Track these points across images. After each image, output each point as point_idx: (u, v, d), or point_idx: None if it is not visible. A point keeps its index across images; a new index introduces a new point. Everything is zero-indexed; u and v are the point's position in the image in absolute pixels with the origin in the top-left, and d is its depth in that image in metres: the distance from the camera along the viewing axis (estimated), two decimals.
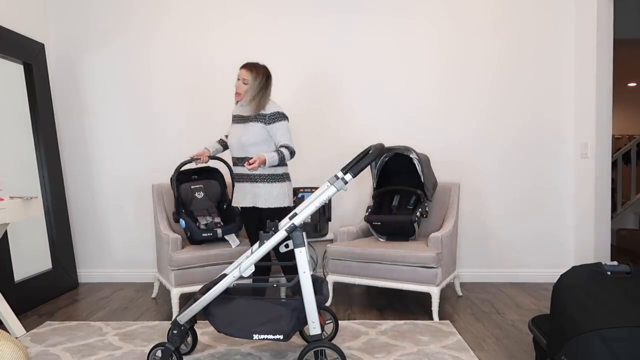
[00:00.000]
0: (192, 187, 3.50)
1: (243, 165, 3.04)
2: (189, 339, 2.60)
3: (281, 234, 2.31)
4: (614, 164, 6.17)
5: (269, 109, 3.01)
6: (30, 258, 3.62)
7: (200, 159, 3.16)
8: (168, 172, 4.14)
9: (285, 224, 2.37)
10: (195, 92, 4.13)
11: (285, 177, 3.07)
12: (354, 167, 2.34)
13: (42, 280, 3.65)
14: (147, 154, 4.16)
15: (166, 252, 3.25)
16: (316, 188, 3.84)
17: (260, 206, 3.02)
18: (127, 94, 4.15)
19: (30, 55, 3.75)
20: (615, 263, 2.07)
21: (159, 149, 4.16)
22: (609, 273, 2.05)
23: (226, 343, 2.74)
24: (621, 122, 8.65)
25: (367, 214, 3.57)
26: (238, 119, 3.09)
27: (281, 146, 2.98)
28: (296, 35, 4.08)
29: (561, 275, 2.11)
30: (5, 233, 3.09)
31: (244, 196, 3.06)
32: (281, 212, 3.04)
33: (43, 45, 3.92)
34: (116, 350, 2.66)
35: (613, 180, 5.53)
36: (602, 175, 3.84)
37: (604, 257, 3.82)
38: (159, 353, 2.38)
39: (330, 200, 3.94)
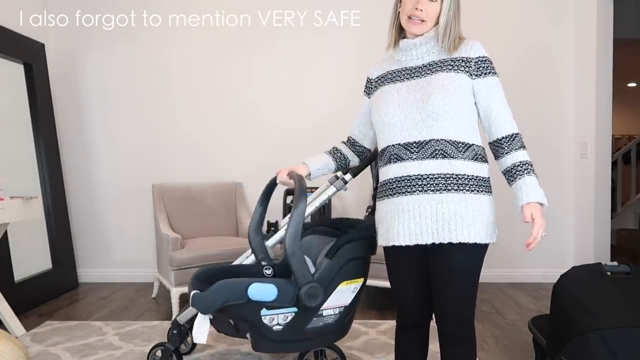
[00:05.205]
0: None
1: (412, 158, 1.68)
2: (189, 339, 2.59)
3: (281, 233, 2.31)
4: (614, 164, 6.15)
5: (474, 48, 1.72)
6: (30, 258, 3.61)
7: None
8: (168, 172, 4.13)
9: (285, 223, 2.37)
10: (196, 92, 4.13)
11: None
12: (353, 167, 2.34)
13: (42, 280, 3.65)
14: (147, 154, 4.15)
15: (166, 252, 3.25)
16: (316, 188, 3.83)
17: None
18: (127, 94, 4.15)
19: (30, 55, 3.75)
20: (615, 263, 2.07)
21: (159, 148, 4.15)
22: (609, 273, 2.05)
23: (226, 343, 2.73)
24: (621, 122, 8.64)
25: (367, 214, 3.57)
26: (409, 73, 1.71)
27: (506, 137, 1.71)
28: (307, 34, 4.08)
29: (561, 276, 2.11)
30: (5, 233, 3.09)
31: None
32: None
33: (43, 45, 3.91)
34: (116, 350, 2.66)
35: (613, 180, 5.51)
36: (602, 175, 3.83)
37: (604, 257, 3.81)
38: (159, 353, 2.38)
39: (330, 200, 3.93)
